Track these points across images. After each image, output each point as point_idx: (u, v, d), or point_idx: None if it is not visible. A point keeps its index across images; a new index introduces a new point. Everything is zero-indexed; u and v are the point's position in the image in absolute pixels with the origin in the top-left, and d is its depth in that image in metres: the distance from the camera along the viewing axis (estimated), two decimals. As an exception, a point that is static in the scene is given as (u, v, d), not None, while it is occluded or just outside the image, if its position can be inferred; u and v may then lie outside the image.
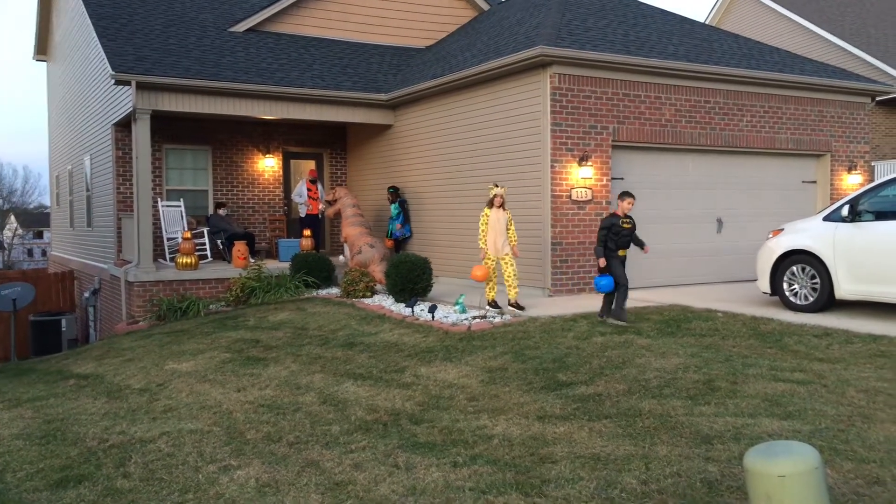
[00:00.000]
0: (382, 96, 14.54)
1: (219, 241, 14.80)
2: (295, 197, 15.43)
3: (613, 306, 8.76)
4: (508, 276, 9.81)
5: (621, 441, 5.12)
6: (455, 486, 4.49)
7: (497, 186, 9.92)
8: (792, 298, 9.52)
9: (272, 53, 14.98)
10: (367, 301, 11.24)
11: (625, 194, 8.89)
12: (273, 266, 13.63)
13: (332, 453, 5.24)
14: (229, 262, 14.27)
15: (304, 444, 5.50)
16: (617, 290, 8.68)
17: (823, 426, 5.15)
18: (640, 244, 8.96)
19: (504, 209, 9.90)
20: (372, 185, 16.22)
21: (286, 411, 6.39)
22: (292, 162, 16.91)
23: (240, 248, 13.56)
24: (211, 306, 12.43)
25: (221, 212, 15.10)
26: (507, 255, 9.84)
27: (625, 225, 8.75)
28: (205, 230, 14.81)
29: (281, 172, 16.62)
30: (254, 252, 14.86)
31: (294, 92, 13.72)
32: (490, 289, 10.08)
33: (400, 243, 14.79)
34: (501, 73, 11.76)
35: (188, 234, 13.32)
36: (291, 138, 16.71)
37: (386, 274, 11.11)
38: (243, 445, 5.56)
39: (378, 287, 12.21)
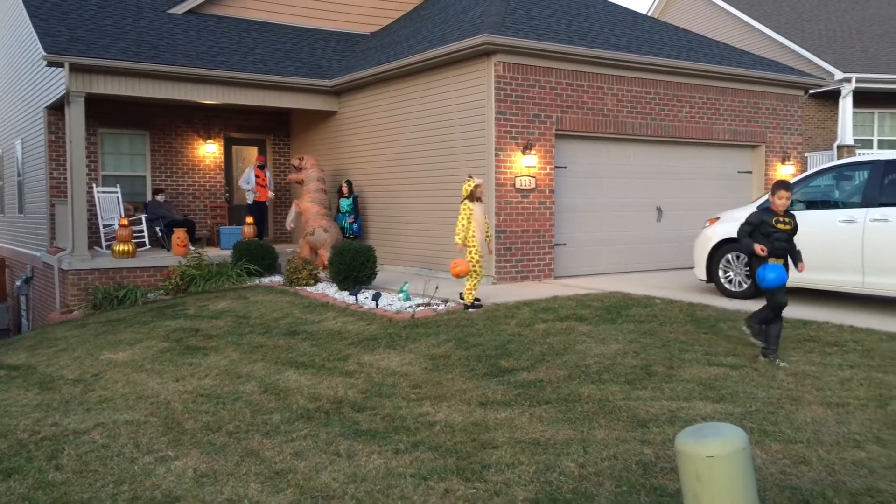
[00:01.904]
0: (327, 82, 14.38)
1: (157, 229, 14.47)
2: (242, 184, 15.09)
3: (754, 321, 6.80)
4: (482, 273, 9.30)
5: (561, 426, 5.21)
6: (396, 473, 4.51)
7: (472, 178, 9.16)
8: (727, 285, 9.79)
9: (213, 36, 14.66)
10: (310, 289, 11.15)
11: (779, 186, 6.59)
12: (214, 254, 13.39)
13: (272, 442, 5.20)
14: (168, 249, 13.96)
15: (244, 434, 5.43)
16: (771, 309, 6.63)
17: (754, 409, 5.33)
18: (796, 258, 6.73)
19: (482, 201, 9.28)
20: (316, 172, 16.04)
21: (226, 400, 6.30)
22: (234, 148, 16.60)
23: (179, 235, 13.28)
24: (149, 295, 12.16)
25: (160, 198, 14.75)
26: (487, 252, 9.36)
27: (780, 225, 6.51)
28: (143, 217, 14.45)
29: (222, 158, 16.31)
30: (194, 239, 14.57)
31: (236, 76, 13.46)
32: (473, 286, 9.14)
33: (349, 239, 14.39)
34: (446, 60, 11.74)
35: (125, 221, 12.98)
36: (233, 123, 16.40)
37: (330, 261, 11.03)
38: (181, 436, 5.47)
39: (322, 275, 12.12)
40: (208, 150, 16.02)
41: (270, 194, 14.99)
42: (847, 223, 8.54)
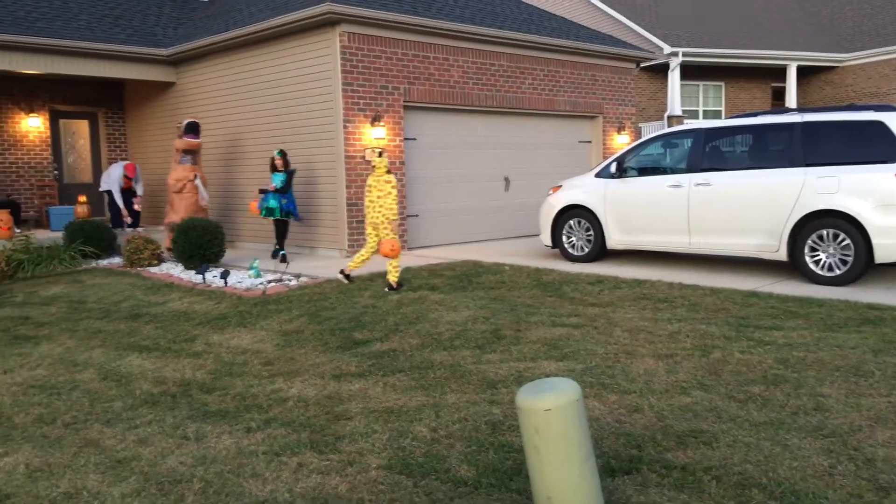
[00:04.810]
0: (163, 51, 13.62)
1: (-24, 211, 13.22)
2: (106, 184, 13.39)
3: None
4: (373, 248, 8.73)
5: (414, 393, 5.30)
6: (248, 452, 4.42)
7: (377, 152, 8.41)
8: (570, 250, 10.28)
9: (30, 1, 13.46)
10: (153, 270, 10.63)
11: None
12: (44, 236, 12.44)
13: (113, 430, 4.94)
14: (-10, 233, 12.81)
15: (83, 424, 5.13)
16: None
17: (594, 364, 5.65)
18: None
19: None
20: (155, 148, 15.21)
21: (61, 391, 5.91)
22: (62, 122, 15.40)
23: (2, 216, 12.22)
24: (-30, 283, 11.13)
25: (-22, 177, 13.47)
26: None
27: None
28: (-42, 198, 13.17)
29: (48, 133, 15.09)
30: (20, 221, 13.47)
31: (58, 44, 12.45)
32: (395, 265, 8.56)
33: (285, 224, 11.37)
34: (290, 29, 11.43)
35: (-63, 204, 11.78)
36: (59, 95, 15.19)
37: (173, 241, 10.54)
38: (11, 430, 5.08)
39: (166, 255, 11.58)
40: (32, 125, 14.77)
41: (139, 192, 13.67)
42: (674, 188, 9.17)
